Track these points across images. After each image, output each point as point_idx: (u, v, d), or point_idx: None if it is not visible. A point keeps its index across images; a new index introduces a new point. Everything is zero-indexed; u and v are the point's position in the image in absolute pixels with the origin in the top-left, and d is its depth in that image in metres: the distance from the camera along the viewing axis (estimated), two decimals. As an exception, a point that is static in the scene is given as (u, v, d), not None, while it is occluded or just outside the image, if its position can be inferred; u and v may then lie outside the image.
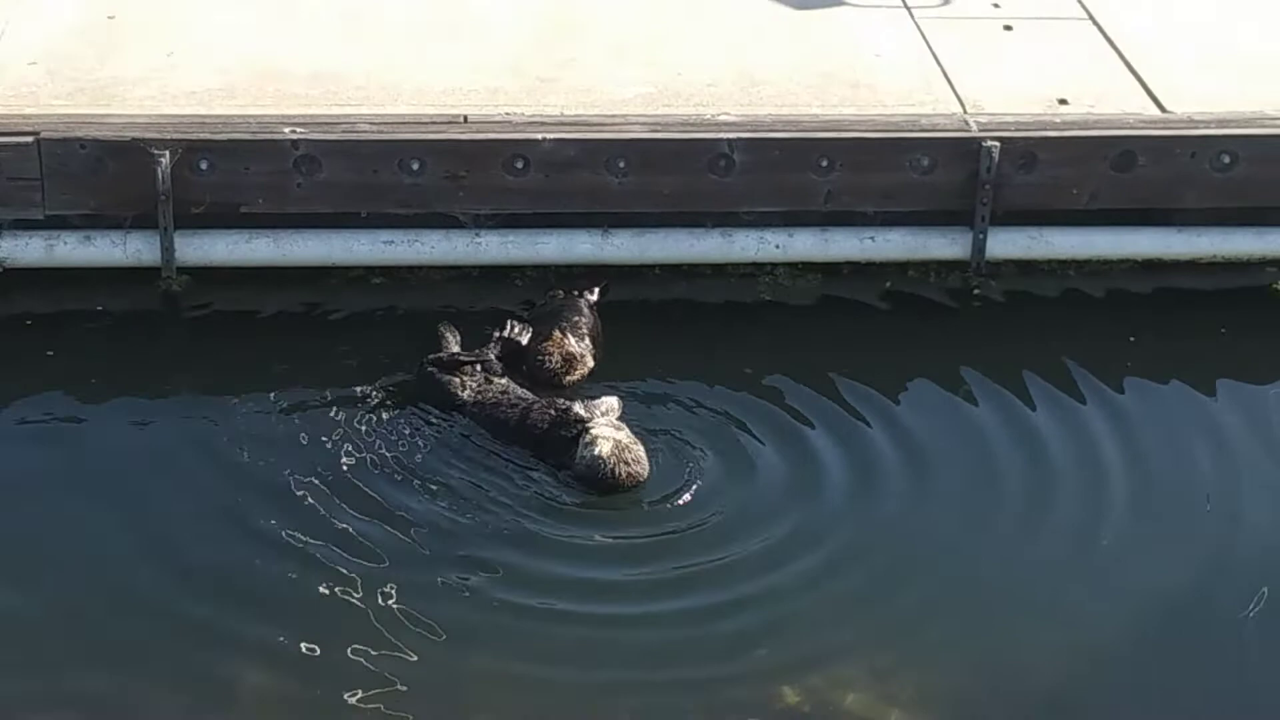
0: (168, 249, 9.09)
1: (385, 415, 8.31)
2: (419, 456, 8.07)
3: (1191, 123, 9.47)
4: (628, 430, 8.00)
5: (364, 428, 8.22)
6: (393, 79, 9.63)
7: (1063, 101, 9.65)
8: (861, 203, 9.35)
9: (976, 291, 9.43)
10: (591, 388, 8.49)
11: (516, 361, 8.66)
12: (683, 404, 8.44)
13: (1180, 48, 10.22)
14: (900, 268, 9.50)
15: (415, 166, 9.06)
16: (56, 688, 6.95)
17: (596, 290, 9.09)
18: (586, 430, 7.90)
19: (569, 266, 9.32)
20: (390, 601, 7.27)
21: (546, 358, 8.59)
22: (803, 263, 9.44)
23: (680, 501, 7.87)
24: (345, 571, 7.42)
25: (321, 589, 7.34)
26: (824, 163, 9.20)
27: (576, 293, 9.07)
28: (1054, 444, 8.31)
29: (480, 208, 9.24)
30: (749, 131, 9.23)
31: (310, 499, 7.80)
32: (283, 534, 7.61)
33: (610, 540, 7.68)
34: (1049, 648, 7.26)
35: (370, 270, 9.33)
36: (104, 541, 7.62)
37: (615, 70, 9.81)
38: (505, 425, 8.18)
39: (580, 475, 7.89)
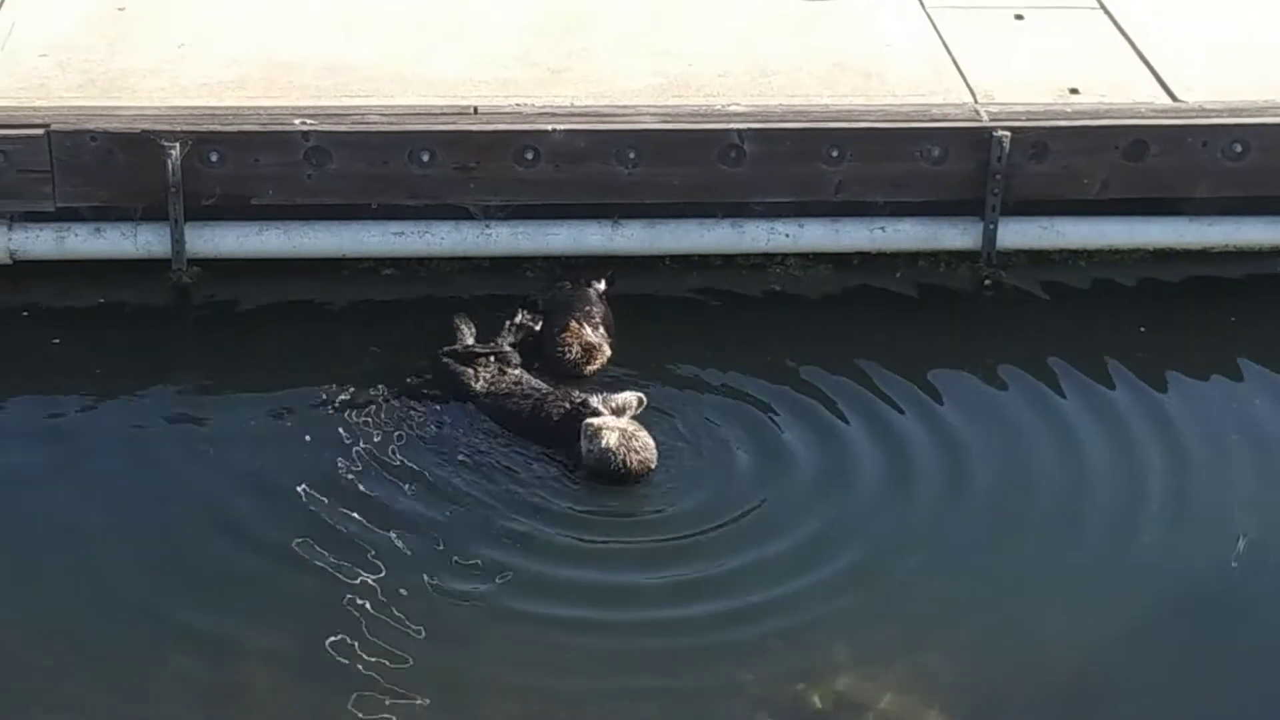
0: (178, 241, 9.09)
1: (396, 407, 8.30)
2: (431, 450, 8.05)
3: (1203, 112, 9.45)
4: (630, 418, 8.00)
5: (375, 420, 8.21)
6: (403, 70, 9.62)
7: (1074, 91, 9.63)
8: (872, 193, 9.34)
9: (988, 282, 9.42)
10: (614, 381, 8.45)
11: (532, 351, 8.65)
12: (698, 396, 8.44)
13: (1191, 37, 10.20)
14: (911, 258, 9.48)
15: (425, 158, 9.05)
16: (58, 689, 6.93)
17: (604, 280, 9.09)
18: (589, 424, 7.89)
19: (579, 257, 9.31)
20: (400, 601, 7.23)
21: (566, 349, 8.59)
22: (813, 253, 9.43)
23: (701, 498, 7.84)
24: (352, 569, 7.38)
25: (326, 585, 7.30)
26: (834, 153, 9.19)
27: (585, 282, 9.06)
28: (1070, 435, 8.30)
29: (490, 199, 9.23)
30: (759, 122, 9.22)
31: (319, 493, 7.77)
32: (290, 527, 7.59)
33: (629, 543, 7.65)
34: (1081, 644, 7.21)
35: (380, 261, 9.32)
36: (110, 535, 7.62)
37: (625, 61, 9.80)
38: (518, 417, 8.17)
39: (592, 469, 7.88)
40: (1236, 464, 8.20)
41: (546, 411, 8.13)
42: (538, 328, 8.76)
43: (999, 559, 7.65)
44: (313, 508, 7.70)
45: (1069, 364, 8.77)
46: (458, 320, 8.77)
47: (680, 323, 9.12)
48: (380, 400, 8.34)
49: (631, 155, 9.12)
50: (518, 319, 8.78)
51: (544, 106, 9.31)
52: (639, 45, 9.97)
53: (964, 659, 7.14)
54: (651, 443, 7.94)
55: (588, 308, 8.80)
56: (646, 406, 8.18)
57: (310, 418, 8.23)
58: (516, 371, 8.43)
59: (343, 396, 8.34)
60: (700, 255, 9.42)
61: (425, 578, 7.35)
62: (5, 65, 9.49)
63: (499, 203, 9.26)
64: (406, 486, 7.83)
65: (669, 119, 9.25)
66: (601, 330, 8.72)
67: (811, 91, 9.56)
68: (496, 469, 7.96)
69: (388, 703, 6.81)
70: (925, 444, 8.21)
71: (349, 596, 7.23)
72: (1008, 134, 9.16)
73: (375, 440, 8.09)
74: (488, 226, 9.27)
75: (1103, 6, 10.50)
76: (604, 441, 7.82)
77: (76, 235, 9.13)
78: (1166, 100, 9.59)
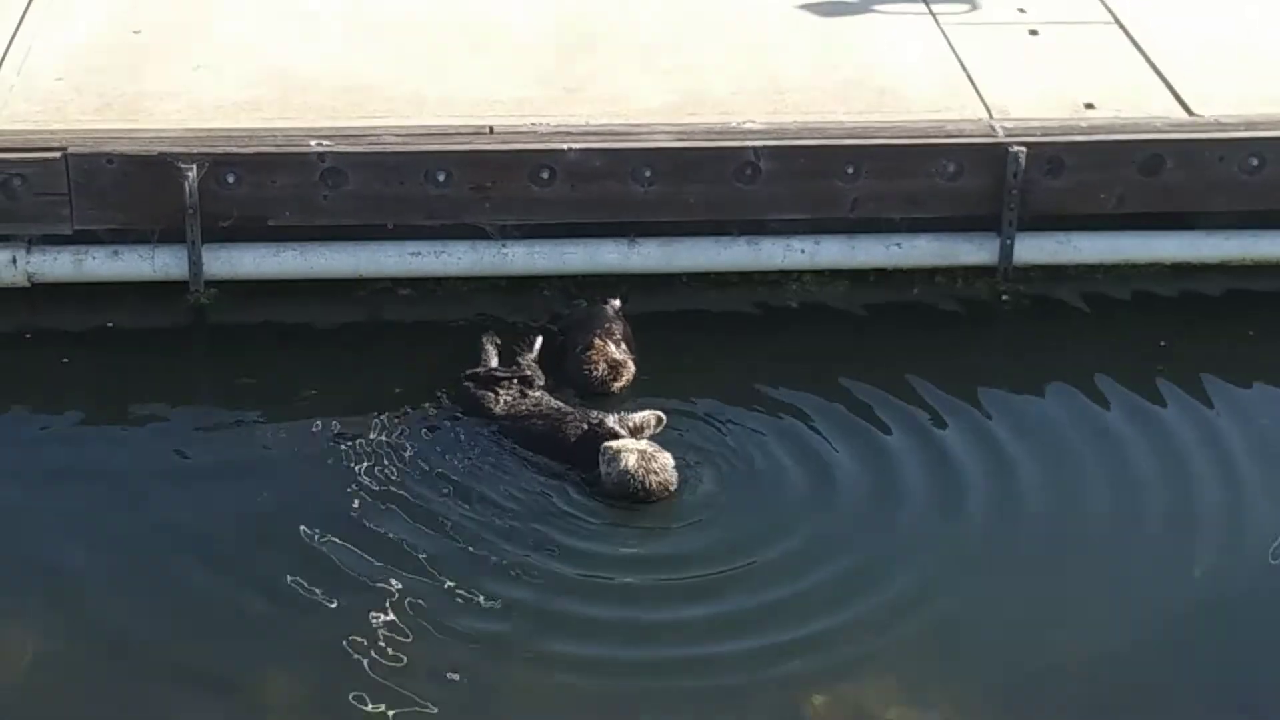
0: (195, 263, 9.10)
1: (415, 429, 8.29)
2: (449, 473, 8.03)
3: (1219, 125, 9.44)
4: (648, 438, 8.00)
5: (392, 441, 8.20)
6: (418, 90, 9.64)
7: (1089, 106, 9.62)
8: (888, 209, 9.34)
9: (1005, 297, 9.41)
10: (639, 401, 8.43)
11: (553, 369, 8.65)
12: (718, 414, 8.41)
13: (1207, 50, 10.19)
14: (928, 274, 9.48)
15: (441, 177, 9.06)
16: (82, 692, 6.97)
17: (619, 298, 9.09)
18: (606, 447, 7.89)
19: (596, 276, 9.31)
20: (419, 630, 7.18)
21: (592, 367, 8.58)
22: (830, 270, 9.43)
23: (720, 512, 7.85)
24: (366, 592, 7.35)
25: (344, 608, 7.28)
26: (850, 170, 9.19)
27: (601, 300, 9.07)
28: (1087, 450, 8.28)
29: (506, 218, 9.24)
30: (775, 139, 9.22)
31: (335, 515, 7.75)
32: (307, 548, 7.57)
33: (641, 551, 7.68)
34: (1089, 658, 7.20)
35: (397, 282, 9.33)
36: (129, 555, 7.62)
37: (640, 79, 9.81)
38: (538, 438, 8.18)
39: (611, 492, 7.88)
40: (1262, 478, 8.16)
41: (565, 432, 8.13)
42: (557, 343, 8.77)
43: (1026, 572, 7.65)
44: (328, 528, 7.67)
45: (1087, 378, 8.75)
46: (485, 340, 8.76)
47: (698, 341, 9.11)
48: (400, 423, 8.32)
49: (647, 173, 9.12)
50: (538, 341, 8.78)
51: (559, 125, 9.32)
52: (654, 64, 9.97)
53: (977, 671, 7.15)
54: (671, 462, 7.93)
55: (608, 325, 8.80)
56: (666, 425, 8.18)
57: (329, 438, 8.22)
58: (538, 393, 8.42)
59: (362, 419, 8.32)
60: (717, 273, 9.42)
61: (448, 603, 7.34)
62: (22, 89, 9.52)
63: (515, 222, 9.27)
64: (420, 510, 7.79)
65: (684, 137, 9.26)
66: (624, 347, 8.73)
67: (827, 108, 9.56)
68: (517, 499, 7.92)
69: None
70: (945, 459, 8.20)
71: (365, 614, 7.23)
72: (1023, 149, 9.16)
73: (393, 462, 8.08)
74: (504, 246, 9.28)
75: (1117, 21, 10.50)
76: (622, 464, 7.82)
77: (94, 258, 9.15)
78: (1182, 114, 9.58)
